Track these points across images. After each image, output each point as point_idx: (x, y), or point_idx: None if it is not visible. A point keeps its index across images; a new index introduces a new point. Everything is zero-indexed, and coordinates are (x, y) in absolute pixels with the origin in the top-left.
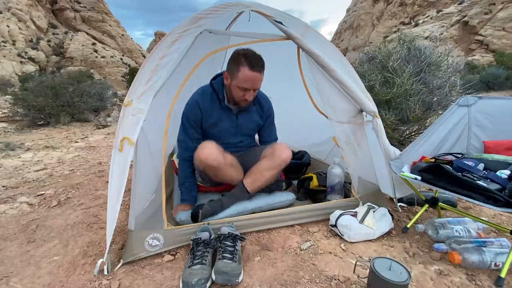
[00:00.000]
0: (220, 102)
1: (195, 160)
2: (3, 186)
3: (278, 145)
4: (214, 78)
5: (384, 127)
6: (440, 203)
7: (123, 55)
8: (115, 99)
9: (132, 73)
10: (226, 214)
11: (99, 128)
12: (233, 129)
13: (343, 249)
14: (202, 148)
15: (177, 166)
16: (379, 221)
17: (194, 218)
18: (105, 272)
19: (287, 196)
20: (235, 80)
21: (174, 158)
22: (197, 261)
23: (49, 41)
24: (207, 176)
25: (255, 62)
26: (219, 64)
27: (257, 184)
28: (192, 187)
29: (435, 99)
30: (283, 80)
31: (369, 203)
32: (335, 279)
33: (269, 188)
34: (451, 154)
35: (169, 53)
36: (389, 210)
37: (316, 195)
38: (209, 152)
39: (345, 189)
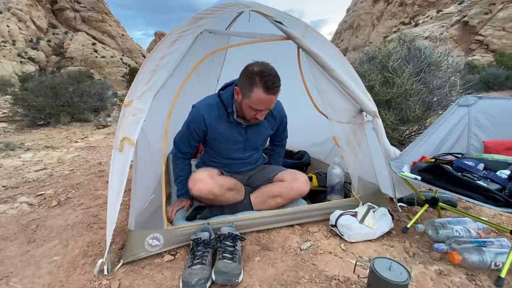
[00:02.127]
0: (229, 115)
1: (189, 188)
2: (3, 186)
3: (299, 175)
4: (223, 88)
5: (384, 127)
6: (440, 203)
7: (123, 55)
8: (115, 99)
9: (132, 73)
10: (229, 217)
11: (99, 128)
12: (242, 144)
13: (343, 249)
14: (195, 181)
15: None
16: (379, 221)
17: (192, 218)
18: (105, 272)
19: (297, 202)
20: (248, 99)
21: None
22: (197, 261)
23: (49, 41)
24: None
25: (270, 83)
26: (219, 64)
27: (266, 206)
28: (186, 181)
29: (435, 99)
30: (283, 80)
31: (369, 203)
32: (335, 279)
33: None
34: (451, 154)
35: (169, 53)
36: (389, 210)
37: (316, 195)
38: (203, 186)
39: (345, 189)
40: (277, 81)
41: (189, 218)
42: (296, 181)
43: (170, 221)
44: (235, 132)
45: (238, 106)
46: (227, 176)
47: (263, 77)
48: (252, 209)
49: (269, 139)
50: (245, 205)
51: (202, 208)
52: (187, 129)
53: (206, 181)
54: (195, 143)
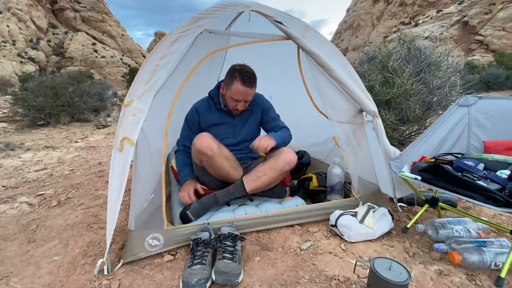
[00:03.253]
0: (216, 105)
1: (192, 154)
2: (3, 186)
3: (284, 148)
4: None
5: (384, 127)
6: (440, 203)
7: (123, 55)
8: (115, 99)
9: (132, 73)
10: (229, 217)
11: (99, 128)
12: (231, 128)
13: (343, 249)
14: (198, 137)
15: (176, 170)
16: (379, 221)
17: (185, 219)
18: (105, 272)
19: (298, 204)
20: (229, 91)
21: (173, 163)
22: (197, 261)
23: (49, 41)
24: (206, 174)
25: (246, 78)
26: (219, 64)
27: (257, 184)
28: (191, 171)
29: (435, 99)
30: (283, 80)
31: (369, 203)
32: (335, 279)
33: (269, 193)
34: (451, 154)
35: (169, 53)
36: (389, 210)
37: (316, 195)
38: (204, 140)
39: (345, 189)
40: (253, 77)
41: (182, 217)
42: (283, 152)
43: (189, 205)
44: (224, 116)
45: (223, 99)
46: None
47: (241, 73)
48: (245, 191)
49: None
50: (238, 186)
51: (188, 205)
52: (185, 123)
53: (209, 138)
54: (193, 136)
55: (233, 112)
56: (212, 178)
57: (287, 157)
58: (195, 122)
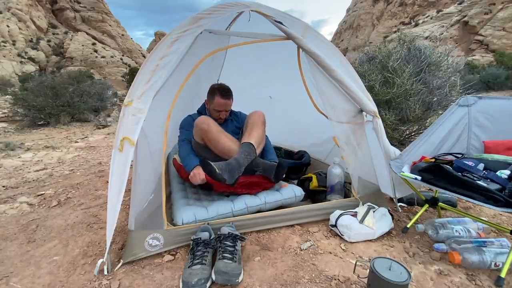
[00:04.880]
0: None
1: (194, 133)
2: (3, 186)
3: (251, 112)
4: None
5: (384, 127)
6: (440, 203)
7: (123, 55)
8: (115, 99)
9: (132, 73)
10: (233, 210)
11: (99, 128)
12: None
13: (343, 249)
14: (200, 117)
15: (179, 163)
16: (379, 221)
17: (209, 170)
18: (105, 272)
19: (295, 191)
20: (212, 105)
21: (176, 156)
22: (197, 261)
23: (49, 41)
24: (208, 152)
25: (224, 92)
26: (219, 64)
27: (254, 135)
28: (195, 156)
29: (435, 99)
30: (283, 80)
31: (369, 203)
32: (335, 279)
33: (266, 169)
34: (451, 154)
35: (169, 53)
36: (389, 210)
37: (316, 195)
38: (202, 117)
39: (345, 189)
40: (229, 92)
41: (204, 163)
42: (250, 114)
43: (205, 182)
44: None
45: (208, 112)
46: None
47: (220, 90)
48: (254, 147)
49: None
50: (246, 146)
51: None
52: (182, 128)
53: (206, 117)
54: (189, 134)
55: (218, 121)
56: (214, 156)
57: (255, 114)
58: (190, 126)
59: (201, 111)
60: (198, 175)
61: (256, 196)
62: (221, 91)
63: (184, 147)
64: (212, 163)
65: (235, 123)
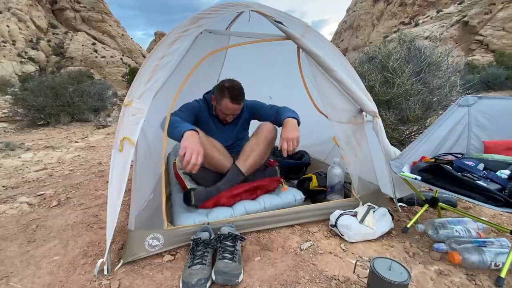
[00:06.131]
0: (209, 109)
1: (180, 144)
2: (3, 186)
3: (262, 123)
4: (207, 93)
5: (384, 127)
6: (440, 203)
7: (123, 55)
8: (115, 99)
9: (132, 73)
10: (233, 216)
11: (99, 128)
12: (222, 134)
13: (343, 249)
14: (185, 134)
15: (169, 130)
16: (379, 221)
17: (187, 199)
18: (105, 272)
19: (295, 196)
20: (219, 106)
21: (176, 160)
22: (197, 261)
23: (49, 41)
24: (200, 169)
25: (235, 95)
26: (219, 64)
27: (249, 162)
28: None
29: (435, 99)
30: (283, 80)
31: (369, 203)
32: (335, 279)
33: (262, 174)
34: (451, 154)
35: (169, 53)
36: (389, 210)
37: (316, 195)
38: (190, 145)
39: (345, 189)
40: (241, 95)
41: (186, 200)
42: (260, 125)
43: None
44: (216, 122)
45: (214, 110)
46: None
47: (230, 91)
48: (242, 173)
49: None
50: (234, 170)
51: (194, 188)
52: (184, 107)
53: (194, 132)
54: (189, 120)
55: (223, 122)
56: (206, 173)
57: (265, 127)
58: (193, 110)
59: (209, 101)
60: (194, 156)
61: (256, 201)
62: (232, 94)
63: (173, 117)
64: (193, 193)
65: (242, 120)
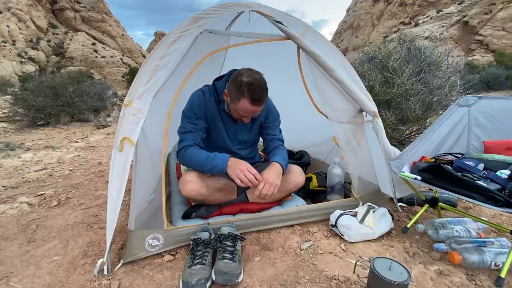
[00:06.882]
0: (220, 103)
1: (179, 189)
2: (3, 186)
3: (294, 167)
4: (217, 79)
5: (384, 127)
6: (440, 203)
7: (123, 55)
8: (115, 99)
9: (132, 73)
10: (229, 218)
11: (99, 128)
12: (231, 132)
13: (343, 249)
14: (184, 182)
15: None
16: (379, 221)
17: (187, 217)
18: (105, 272)
19: (298, 205)
20: (235, 105)
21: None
22: (197, 261)
23: (49, 41)
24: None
25: (257, 96)
26: (219, 64)
27: (261, 203)
28: (214, 155)
29: (435, 99)
30: (283, 80)
31: (369, 203)
32: (335, 279)
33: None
34: (451, 154)
35: (169, 53)
36: (389, 210)
37: (316, 195)
38: (191, 187)
39: (345, 189)
40: (264, 93)
41: (185, 216)
42: (291, 173)
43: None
44: (226, 118)
45: (227, 106)
46: (218, 177)
47: (251, 90)
48: (248, 199)
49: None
50: (242, 200)
51: (199, 206)
52: (191, 111)
53: (194, 182)
54: (204, 125)
55: (237, 121)
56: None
57: (294, 180)
58: (201, 110)
59: (219, 93)
60: (252, 172)
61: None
62: (253, 93)
63: (195, 151)
64: (194, 214)
65: (256, 124)
